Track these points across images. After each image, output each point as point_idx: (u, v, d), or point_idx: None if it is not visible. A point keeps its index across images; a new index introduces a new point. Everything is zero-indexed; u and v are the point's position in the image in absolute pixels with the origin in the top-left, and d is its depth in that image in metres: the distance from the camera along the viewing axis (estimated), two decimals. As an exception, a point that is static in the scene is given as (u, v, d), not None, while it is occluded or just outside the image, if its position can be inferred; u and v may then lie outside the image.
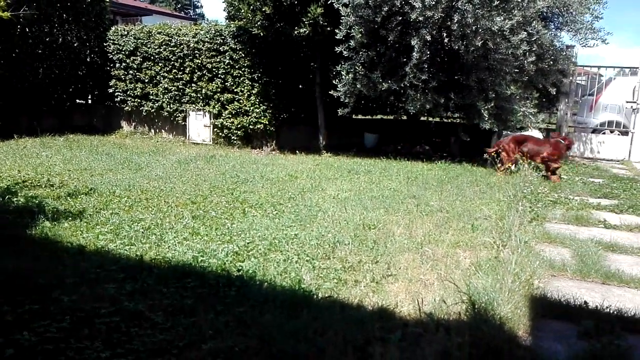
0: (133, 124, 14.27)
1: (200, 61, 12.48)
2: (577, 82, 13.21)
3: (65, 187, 7.07)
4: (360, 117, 14.27)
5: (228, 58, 12.15)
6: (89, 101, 15.04)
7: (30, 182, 7.23)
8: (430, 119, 12.96)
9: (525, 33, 8.95)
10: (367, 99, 12.38)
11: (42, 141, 11.46)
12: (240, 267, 4.22)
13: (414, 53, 9.08)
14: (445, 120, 13.14)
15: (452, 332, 2.90)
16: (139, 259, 4.33)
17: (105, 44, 13.70)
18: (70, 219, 5.48)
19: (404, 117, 12.44)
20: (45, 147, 10.61)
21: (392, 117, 13.86)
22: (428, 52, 9.18)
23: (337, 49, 9.72)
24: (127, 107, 13.74)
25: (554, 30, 10.54)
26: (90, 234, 5.00)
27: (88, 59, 14.18)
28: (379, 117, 14.70)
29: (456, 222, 5.84)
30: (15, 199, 6.22)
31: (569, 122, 12.55)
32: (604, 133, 12.52)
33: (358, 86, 9.85)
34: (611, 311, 3.42)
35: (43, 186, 7.03)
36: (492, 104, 9.36)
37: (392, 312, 3.51)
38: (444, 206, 6.55)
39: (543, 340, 3.10)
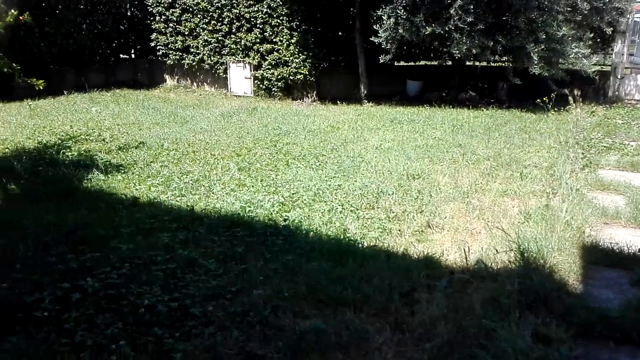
0: (176, 77, 14.40)
1: (238, 11, 12.32)
2: (635, 19, 12.28)
3: (115, 141, 7.31)
4: (402, 63, 13.88)
5: (266, 7, 11.94)
6: (132, 56, 15.22)
7: (82, 136, 7.50)
8: (477, 63, 12.46)
9: (581, -33, 8.35)
10: (409, 44, 11.97)
11: (90, 97, 11.78)
12: (286, 217, 4.31)
13: (460, -7, 8.64)
14: (493, 65, 12.59)
15: (500, 279, 2.90)
16: (189, 210, 4.49)
17: (144, -3, 13.70)
18: (122, 171, 5.69)
19: (449, 63, 12.00)
20: (93, 102, 10.91)
21: (436, 63, 13.38)
22: (474, -8, 8.72)
23: (378, -8, 9.38)
24: (169, 61, 13.83)
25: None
26: (143, 186, 5.19)
27: (129, 13, 14.26)
28: (422, 63, 14.25)
29: (504, 171, 5.71)
30: (69, 153, 6.49)
31: (625, 63, 11.81)
32: (664, 74, 11.72)
33: (400, 31, 9.52)
34: (667, 259, 3.32)
35: (95, 140, 7.29)
36: (542, 46, 8.88)
37: (438, 260, 3.53)
38: (491, 154, 6.40)
39: (594, 287, 3.06)
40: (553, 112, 9.13)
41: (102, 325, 2.68)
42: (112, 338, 2.56)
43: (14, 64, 5.67)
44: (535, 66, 9.06)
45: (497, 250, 3.42)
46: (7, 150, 6.58)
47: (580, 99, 9.46)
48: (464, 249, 3.50)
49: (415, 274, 3.24)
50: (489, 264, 3.29)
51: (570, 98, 8.32)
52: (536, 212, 4.27)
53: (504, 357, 2.32)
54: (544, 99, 8.81)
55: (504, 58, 11.15)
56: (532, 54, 8.93)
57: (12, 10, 5.45)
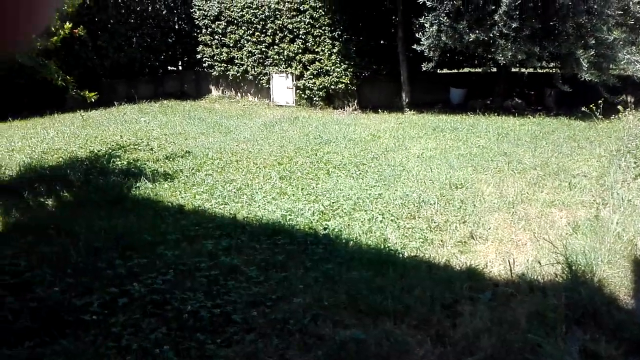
0: (221, 88, 14.76)
1: (281, 22, 12.52)
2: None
3: (163, 150, 7.54)
4: (445, 71, 13.71)
5: (308, 17, 12.08)
6: (180, 68, 15.71)
7: (131, 146, 7.78)
8: (523, 69, 12.16)
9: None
10: (452, 51, 11.82)
11: (140, 108, 12.20)
12: (326, 226, 4.33)
13: (504, -1, 8.48)
14: (540, 71, 12.25)
15: (547, 293, 2.81)
16: (232, 218, 4.58)
17: (191, 10, 14.13)
18: (169, 180, 5.87)
19: (494, 69, 11.78)
20: (142, 113, 11.31)
21: (480, 70, 13.16)
22: (520, -2, 8.54)
23: None
24: (214, 72, 14.20)
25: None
26: (188, 194, 5.33)
27: (176, 26, 14.74)
28: (465, 70, 14.03)
29: (551, 181, 5.54)
30: (119, 162, 6.75)
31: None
32: None
33: (443, 38, 9.43)
34: None
35: (143, 150, 7.55)
36: (592, 52, 8.58)
37: (482, 272, 3.46)
38: (538, 163, 6.22)
39: (648, 304, 2.91)
40: (603, 120, 8.79)
41: (147, 330, 2.76)
42: (156, 342, 2.64)
43: (67, 77, 5.95)
44: (585, 72, 8.76)
45: (540, 263, 3.31)
46: (61, 159, 6.90)
47: (633, 106, 9.08)
48: (509, 261, 3.41)
49: (457, 285, 3.18)
50: (535, 277, 3.19)
51: (621, 105, 8.00)
52: (585, 224, 4.11)
53: (550, 373, 2.25)
54: (593, 105, 8.50)
55: (552, 64, 10.84)
56: (581, 59, 8.64)
57: (67, 23, 5.71)
